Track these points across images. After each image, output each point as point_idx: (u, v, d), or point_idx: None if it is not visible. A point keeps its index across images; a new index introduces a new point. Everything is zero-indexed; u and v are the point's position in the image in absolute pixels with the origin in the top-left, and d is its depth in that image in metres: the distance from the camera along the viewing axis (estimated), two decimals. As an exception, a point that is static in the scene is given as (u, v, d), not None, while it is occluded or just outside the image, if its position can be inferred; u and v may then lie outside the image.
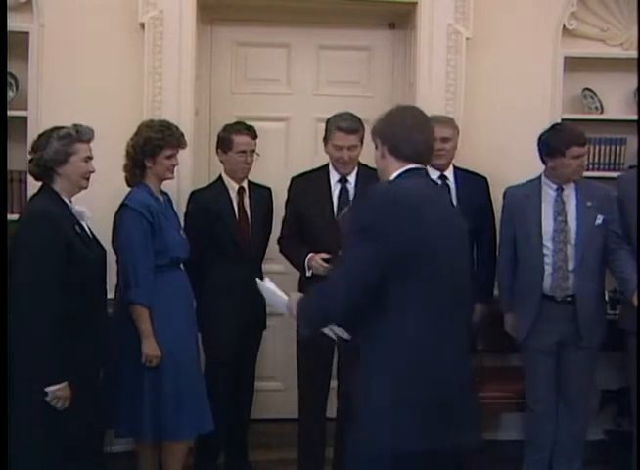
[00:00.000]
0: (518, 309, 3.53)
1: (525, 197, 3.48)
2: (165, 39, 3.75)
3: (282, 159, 4.13)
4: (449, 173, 3.63)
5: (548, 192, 3.47)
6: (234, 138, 3.47)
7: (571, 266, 3.38)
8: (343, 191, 3.34)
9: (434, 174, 3.57)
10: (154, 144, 3.14)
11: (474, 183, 3.64)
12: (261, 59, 4.14)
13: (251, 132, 3.52)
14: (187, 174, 3.77)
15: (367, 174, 3.24)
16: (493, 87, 4.01)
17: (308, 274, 3.23)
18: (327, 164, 3.41)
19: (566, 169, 3.39)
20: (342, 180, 3.35)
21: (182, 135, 3.21)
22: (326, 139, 3.34)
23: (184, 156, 3.52)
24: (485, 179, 3.67)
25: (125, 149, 3.22)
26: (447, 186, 3.58)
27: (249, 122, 3.65)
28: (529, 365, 3.55)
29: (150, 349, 3.09)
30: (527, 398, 3.60)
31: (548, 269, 3.39)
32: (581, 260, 3.38)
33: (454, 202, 3.49)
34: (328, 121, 3.33)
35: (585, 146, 3.38)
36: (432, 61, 3.87)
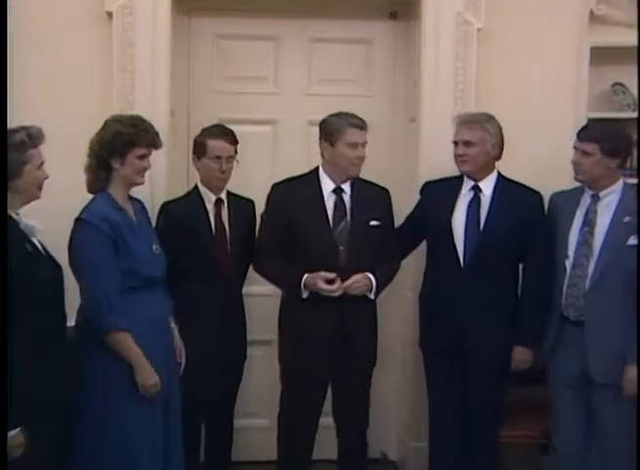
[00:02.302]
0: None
1: (563, 203, 3.37)
2: (137, 31, 3.63)
3: (269, 167, 3.99)
4: (486, 184, 3.37)
5: (585, 199, 3.34)
6: (208, 142, 3.36)
7: (588, 285, 3.24)
8: (339, 203, 3.24)
9: (468, 184, 3.38)
10: (124, 140, 2.94)
11: (519, 198, 3.36)
12: (245, 54, 4.03)
13: (229, 137, 3.39)
14: (162, 184, 3.63)
15: (362, 186, 3.23)
16: (509, 85, 3.86)
17: (304, 295, 3.16)
18: (315, 171, 3.30)
19: None
20: (338, 190, 3.25)
21: (157, 134, 3.03)
22: (332, 140, 3.22)
23: (159, 162, 3.39)
24: (538, 195, 3.39)
25: (89, 146, 3.01)
26: (478, 198, 3.35)
27: (231, 126, 3.55)
28: (553, 399, 3.41)
29: (146, 377, 2.87)
30: (553, 437, 3.44)
31: (565, 284, 3.29)
32: (598, 281, 3.22)
33: (482, 218, 3.28)
34: (330, 122, 3.25)
35: (586, 141, 3.24)
36: (438, 55, 3.77)
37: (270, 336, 3.54)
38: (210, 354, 3.29)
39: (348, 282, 3.11)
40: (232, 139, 3.40)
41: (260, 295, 3.66)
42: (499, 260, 3.28)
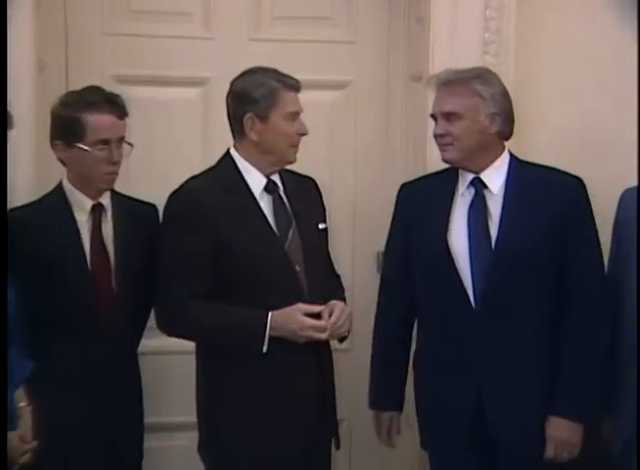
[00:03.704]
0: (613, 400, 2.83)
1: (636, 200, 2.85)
2: None
3: (197, 149, 3.33)
4: (492, 175, 2.77)
5: None
6: (86, 118, 2.73)
7: None
8: (279, 203, 2.78)
9: (465, 179, 2.80)
10: None
11: (546, 188, 2.77)
12: (158, -24, 3.42)
13: (118, 107, 2.80)
14: (24, 178, 3.02)
15: (290, 177, 2.88)
16: (564, 25, 3.15)
17: (265, 349, 2.62)
18: (229, 160, 2.81)
19: None
20: (271, 185, 2.77)
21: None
22: (263, 112, 2.71)
23: (19, 145, 2.86)
24: (576, 180, 2.78)
25: None
26: (482, 199, 2.74)
27: (135, 88, 3.13)
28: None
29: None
30: None
31: None
32: None
33: (494, 227, 2.72)
34: (254, 83, 2.74)
35: None
36: (457, -24, 3.17)
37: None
38: (82, 450, 2.71)
39: (333, 317, 2.63)
40: (122, 110, 2.79)
41: (177, 352, 2.99)
42: (529, 289, 2.73)
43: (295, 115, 2.71)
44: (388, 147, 3.42)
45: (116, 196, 2.83)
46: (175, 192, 2.72)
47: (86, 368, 2.72)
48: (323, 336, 2.60)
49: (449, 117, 2.70)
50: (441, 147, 2.75)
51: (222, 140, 3.03)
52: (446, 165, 2.81)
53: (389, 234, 2.92)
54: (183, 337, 2.75)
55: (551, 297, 2.73)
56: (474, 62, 2.93)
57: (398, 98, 3.44)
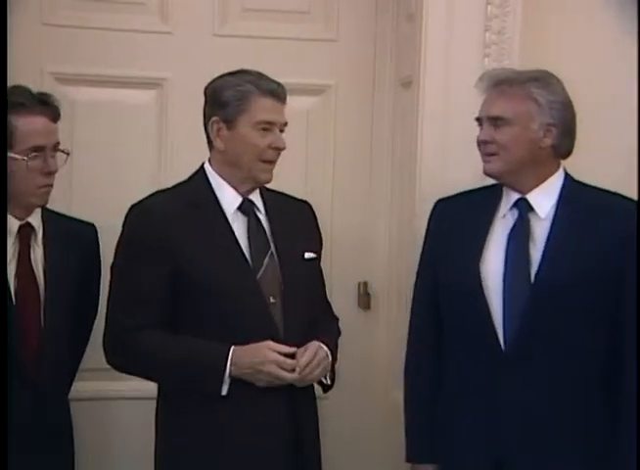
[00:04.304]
0: None
1: None
2: None
3: (150, 162, 3.07)
4: (540, 197, 2.50)
5: None
6: (17, 123, 2.51)
7: None
8: (255, 225, 2.57)
9: (509, 199, 2.55)
10: None
11: (604, 217, 2.50)
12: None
13: (51, 107, 2.56)
14: None
15: (276, 198, 2.71)
16: (576, 25, 2.91)
17: (225, 390, 2.39)
18: (202, 175, 2.62)
19: None
20: (247, 204, 2.57)
21: None
22: (230, 117, 2.52)
23: None
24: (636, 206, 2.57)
25: None
26: (527, 224, 2.49)
27: (79, 89, 2.92)
28: None
29: None
30: None
31: None
32: None
33: (536, 258, 2.47)
34: (224, 86, 2.57)
35: None
36: (453, -31, 3.00)
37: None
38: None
39: (304, 358, 2.42)
40: (55, 112, 2.54)
41: (131, 397, 2.84)
42: (572, 334, 2.43)
43: (269, 125, 2.48)
44: (373, 162, 3.18)
45: (48, 214, 2.55)
46: (134, 206, 2.54)
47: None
48: (289, 376, 2.36)
49: (496, 121, 2.47)
50: (484, 157, 2.50)
51: (181, 151, 2.88)
52: (489, 181, 2.53)
53: (420, 262, 2.64)
54: (133, 372, 2.52)
55: (599, 347, 2.44)
56: (472, 66, 2.71)
57: (385, 106, 3.21)
